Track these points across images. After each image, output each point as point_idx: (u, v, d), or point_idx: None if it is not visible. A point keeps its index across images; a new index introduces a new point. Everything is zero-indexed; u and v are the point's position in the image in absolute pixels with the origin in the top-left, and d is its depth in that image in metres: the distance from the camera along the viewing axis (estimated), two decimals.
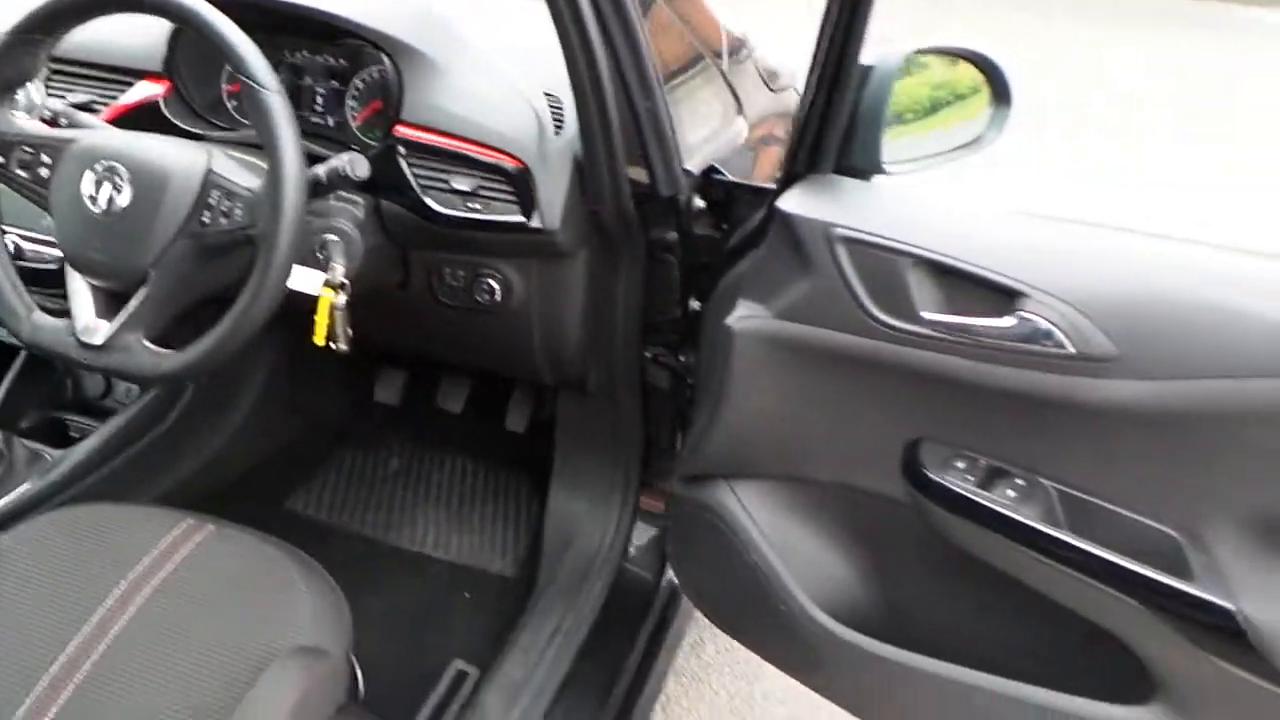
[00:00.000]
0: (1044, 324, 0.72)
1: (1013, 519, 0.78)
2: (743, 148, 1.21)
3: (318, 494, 1.48)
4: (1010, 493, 0.80)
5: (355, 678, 1.02)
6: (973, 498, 0.80)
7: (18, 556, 0.90)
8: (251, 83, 0.79)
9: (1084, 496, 0.77)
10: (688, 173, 0.99)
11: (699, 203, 1.04)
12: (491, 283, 1.05)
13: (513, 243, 1.00)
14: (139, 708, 0.80)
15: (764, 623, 1.01)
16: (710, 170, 1.04)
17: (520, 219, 0.96)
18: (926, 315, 0.78)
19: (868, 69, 0.87)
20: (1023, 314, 0.73)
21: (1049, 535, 0.76)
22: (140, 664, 0.82)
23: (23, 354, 1.26)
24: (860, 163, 0.90)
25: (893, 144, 0.96)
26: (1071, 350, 0.71)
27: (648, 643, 1.24)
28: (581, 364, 1.17)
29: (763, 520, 1.00)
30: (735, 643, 1.13)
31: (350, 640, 0.92)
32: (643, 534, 1.33)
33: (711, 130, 1.11)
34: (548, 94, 0.99)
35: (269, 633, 0.86)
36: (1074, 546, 0.75)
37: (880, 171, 0.91)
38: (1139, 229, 0.75)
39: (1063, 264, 0.74)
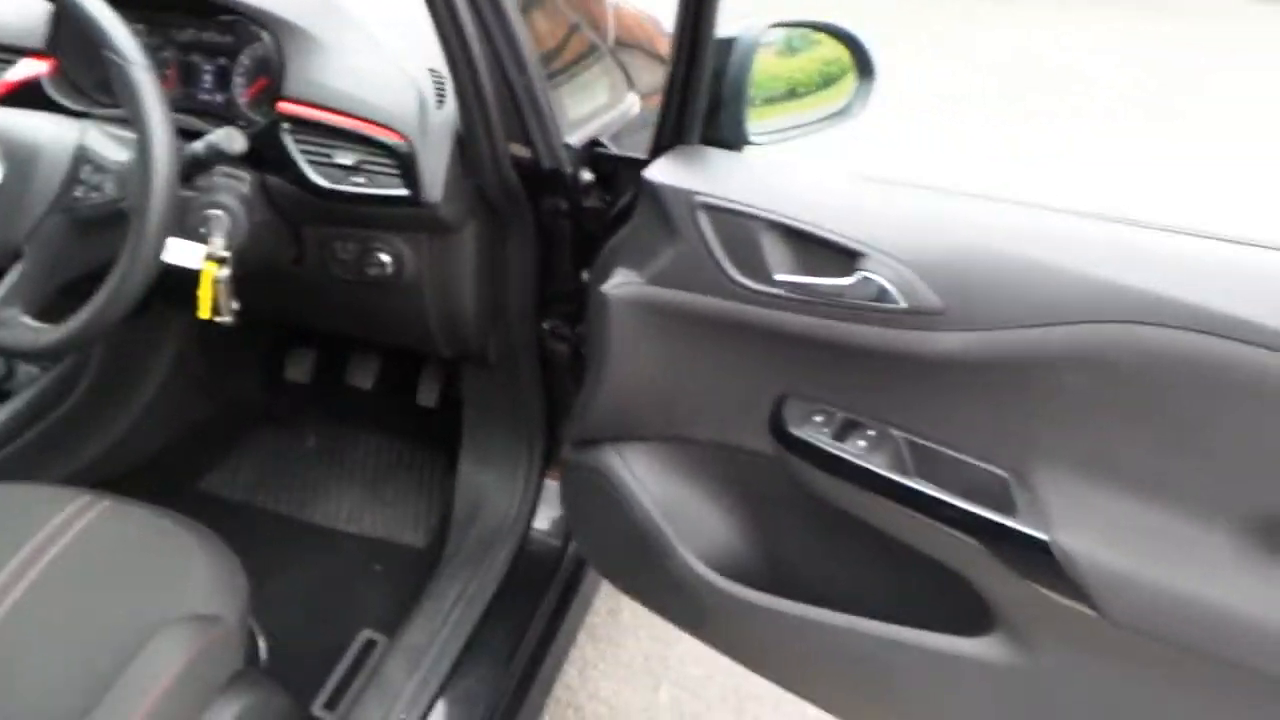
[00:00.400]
0: (880, 281, 0.77)
1: (863, 468, 0.83)
2: (637, 121, 1.25)
3: (232, 473, 1.49)
4: (861, 443, 0.84)
5: (255, 645, 1.04)
6: (828, 449, 0.85)
7: None
8: (115, 58, 0.80)
9: (927, 444, 0.82)
10: (569, 146, 1.02)
11: (587, 176, 1.07)
12: (382, 256, 1.08)
13: (399, 216, 1.02)
14: (27, 681, 0.81)
15: (653, 578, 1.05)
16: (593, 143, 1.07)
17: (404, 192, 0.99)
18: (779, 277, 0.83)
19: (728, 41, 0.91)
20: (862, 273, 0.78)
21: (894, 481, 0.81)
22: (31, 638, 0.84)
23: None
24: (726, 135, 0.94)
25: (772, 118, 1.01)
26: (904, 305, 0.76)
27: (554, 606, 1.28)
28: (479, 337, 1.20)
29: (647, 480, 1.04)
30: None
31: (246, 607, 0.94)
32: (556, 503, 1.37)
33: (598, 105, 1.14)
34: (431, 70, 1.01)
35: (161, 602, 0.88)
36: (917, 491, 0.80)
37: (747, 143, 0.95)
38: (970, 192, 0.80)
39: (897, 225, 0.79)
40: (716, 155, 0.91)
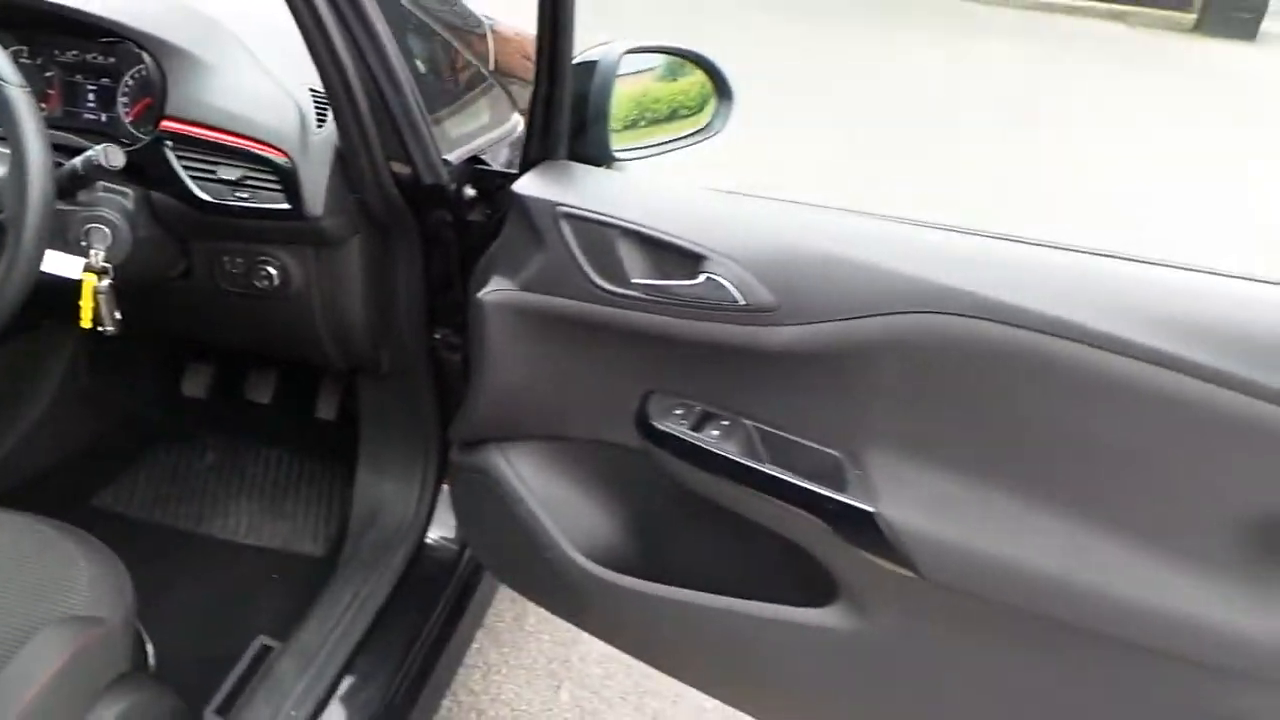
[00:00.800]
0: (721, 281, 0.84)
1: (717, 455, 0.90)
2: (520, 141, 1.31)
3: (128, 490, 1.49)
4: (716, 433, 0.91)
5: (144, 651, 1.06)
6: (686, 439, 0.92)
7: None
8: None
9: (773, 430, 0.90)
10: (448, 163, 1.07)
11: (470, 192, 1.13)
12: (269, 269, 1.11)
13: (283, 230, 1.07)
14: None
15: (536, 572, 1.11)
16: (474, 160, 1.13)
17: (286, 206, 1.03)
18: (636, 280, 0.90)
19: (590, 65, 0.98)
20: (706, 274, 0.85)
21: (743, 466, 0.88)
22: None
23: None
24: (592, 152, 1.01)
25: (649, 137, 1.09)
26: (743, 302, 0.83)
27: (450, 608, 1.31)
28: (371, 348, 1.24)
29: (529, 477, 1.09)
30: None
31: (131, 611, 0.96)
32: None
33: (479, 125, 1.20)
34: (312, 90, 1.06)
35: (41, 606, 0.90)
36: (763, 473, 0.87)
37: (611, 160, 1.03)
38: (798, 200, 0.88)
39: (736, 230, 0.86)
40: (580, 170, 0.98)
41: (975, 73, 6.04)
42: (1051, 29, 7.76)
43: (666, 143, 1.09)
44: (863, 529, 0.82)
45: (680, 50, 1.07)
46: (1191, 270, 0.72)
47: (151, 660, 1.06)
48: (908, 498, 0.81)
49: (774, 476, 0.87)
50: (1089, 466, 0.74)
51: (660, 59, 1.13)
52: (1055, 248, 0.78)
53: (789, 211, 0.88)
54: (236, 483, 1.53)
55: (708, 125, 1.11)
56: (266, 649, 1.25)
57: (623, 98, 1.17)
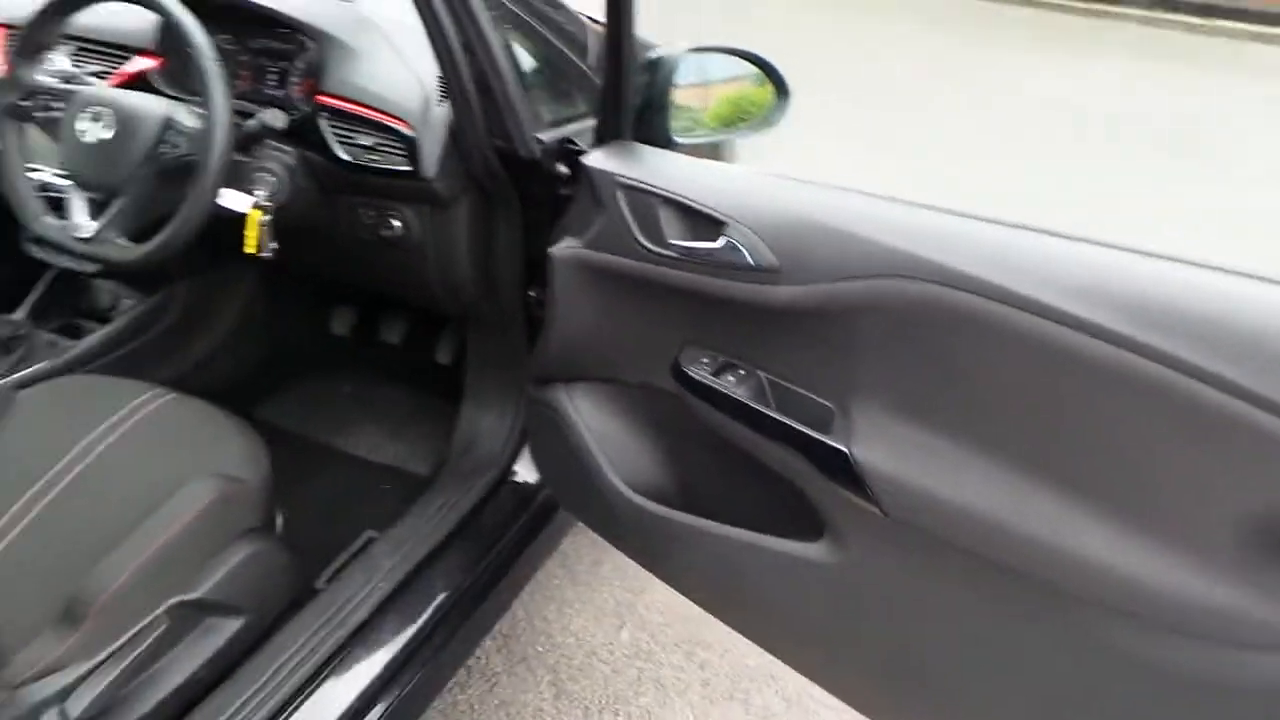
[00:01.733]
0: (737, 244, 0.98)
1: (730, 398, 1.03)
2: None
3: (281, 407, 1.80)
4: (732, 380, 1.05)
5: (273, 517, 1.31)
6: (707, 384, 1.06)
7: (20, 407, 1.22)
8: (195, 53, 1.11)
9: (779, 381, 1.02)
10: (540, 141, 1.27)
11: (562, 169, 1.32)
12: (394, 221, 1.35)
13: (405, 188, 1.30)
14: (88, 522, 1.08)
15: (585, 495, 1.28)
16: (566, 141, 1.31)
17: (407, 168, 1.26)
18: (672, 241, 1.05)
19: (657, 61, 1.14)
20: (725, 237, 1.00)
21: (751, 409, 1.01)
22: (96, 485, 1.12)
23: (52, 269, 1.60)
24: (653, 135, 1.17)
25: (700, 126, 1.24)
26: (752, 263, 0.97)
27: (523, 533, 1.51)
28: (475, 299, 1.46)
29: (585, 413, 1.26)
30: (629, 561, 1.33)
31: (268, 479, 1.21)
32: None
33: (574, 111, 1.39)
34: (439, 75, 1.29)
35: (199, 462, 1.16)
36: (766, 417, 1.00)
37: (670, 142, 1.18)
38: (802, 178, 1.01)
39: (753, 201, 1.00)
40: (639, 149, 1.14)
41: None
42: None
43: (725, 131, 1.23)
44: (839, 468, 0.93)
45: (740, 51, 1.21)
46: (1152, 256, 0.78)
47: (279, 527, 1.32)
48: (879, 443, 0.91)
49: (774, 420, 1.00)
50: (1035, 424, 0.82)
51: (699, 56, 1.26)
52: (1028, 229, 0.86)
53: (800, 187, 1.01)
54: (366, 410, 1.81)
55: (763, 119, 1.24)
56: (371, 539, 1.49)
57: (723, 100, 1.33)
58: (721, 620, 1.20)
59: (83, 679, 0.97)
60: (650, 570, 1.27)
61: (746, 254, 0.97)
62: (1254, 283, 0.71)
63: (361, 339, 1.85)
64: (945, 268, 0.83)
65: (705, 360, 1.09)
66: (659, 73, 1.14)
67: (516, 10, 1.29)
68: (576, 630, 1.75)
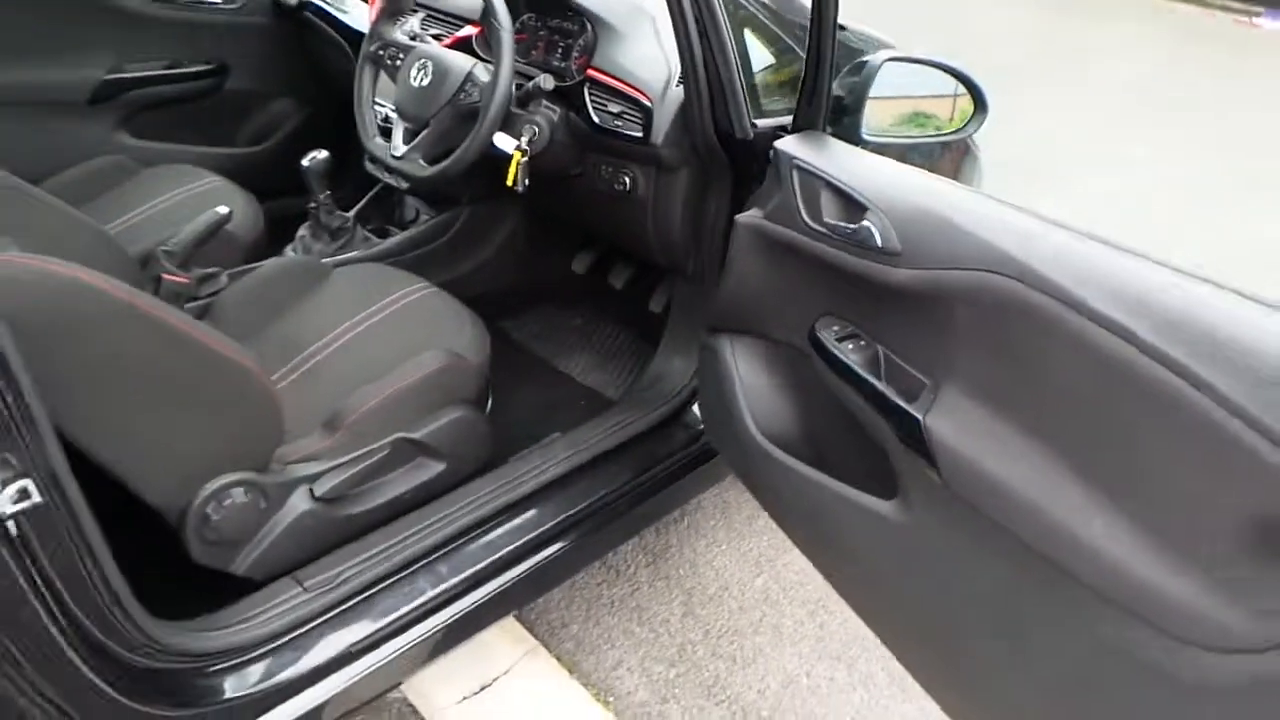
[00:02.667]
0: (872, 227, 1.13)
1: (843, 363, 1.18)
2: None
3: (519, 325, 2.17)
4: (851, 348, 1.19)
5: (486, 396, 1.64)
6: (831, 349, 1.21)
7: (333, 279, 1.64)
8: (494, 23, 1.44)
9: (890, 354, 1.16)
10: (755, 126, 1.47)
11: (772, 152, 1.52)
12: (625, 177, 1.63)
13: (638, 152, 1.56)
14: (356, 362, 1.46)
15: (730, 438, 1.47)
16: (780, 128, 1.50)
17: (641, 135, 1.52)
18: (826, 220, 1.21)
19: (860, 65, 1.30)
20: (864, 221, 1.14)
21: (857, 374, 1.16)
22: (361, 346, 1.49)
23: (377, 185, 2.06)
24: (846, 133, 1.33)
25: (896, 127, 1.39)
26: (880, 245, 1.11)
27: (682, 464, 1.72)
28: (683, 254, 1.70)
29: (741, 364, 1.45)
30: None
31: (486, 364, 1.54)
32: None
33: (790, 106, 1.57)
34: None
35: (436, 338, 1.51)
36: (868, 383, 1.14)
37: (860, 140, 1.34)
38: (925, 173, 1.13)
39: (890, 190, 1.13)
40: (822, 139, 1.30)
41: None
42: None
43: (916, 137, 1.36)
44: (911, 433, 1.06)
45: (940, 64, 1.33)
46: (1210, 283, 0.85)
47: (488, 407, 1.65)
48: (950, 418, 1.03)
49: (872, 386, 1.14)
50: (1078, 423, 0.91)
51: (897, 65, 1.38)
52: (1100, 240, 0.93)
53: (930, 180, 1.13)
54: (585, 339, 2.13)
55: (960, 129, 1.35)
56: (556, 438, 1.79)
57: (907, 111, 1.47)
58: (809, 559, 1.36)
59: (327, 471, 1.34)
60: (764, 506, 1.45)
61: (878, 236, 1.11)
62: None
63: (594, 280, 2.17)
64: (1028, 268, 0.93)
65: (836, 328, 1.23)
66: (860, 75, 1.30)
67: (754, 11, 1.50)
68: (718, 566, 1.95)
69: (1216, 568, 0.76)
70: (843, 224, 1.18)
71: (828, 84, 1.28)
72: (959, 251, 1.02)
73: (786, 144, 1.31)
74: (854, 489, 1.21)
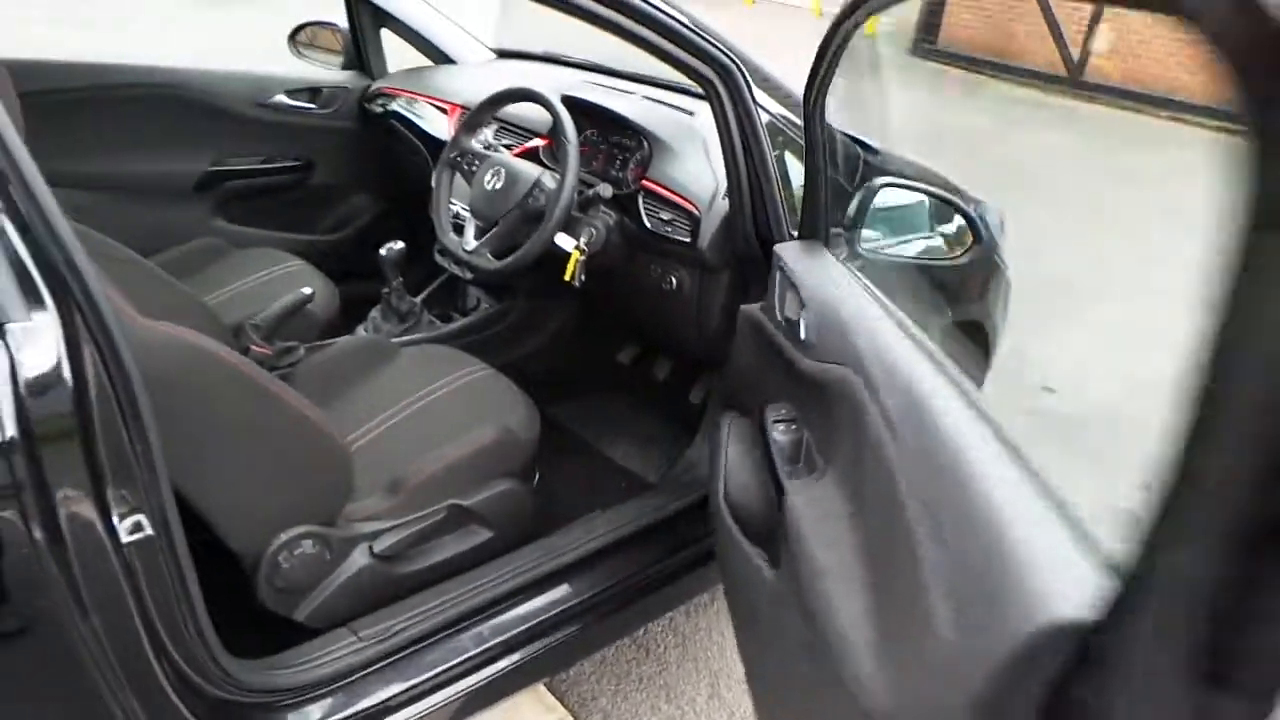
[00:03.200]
0: (802, 321, 1.24)
1: (768, 442, 1.27)
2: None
3: (568, 405, 2.30)
4: (781, 429, 1.27)
5: (534, 472, 1.76)
6: (766, 429, 1.29)
7: (400, 357, 1.81)
8: (562, 138, 1.63)
9: (808, 437, 1.24)
10: (794, 236, 1.62)
11: None
12: (673, 278, 1.78)
13: (685, 255, 1.72)
14: (418, 433, 1.60)
15: (715, 508, 1.55)
16: None
17: (689, 240, 1.68)
18: (788, 314, 1.32)
19: (870, 186, 1.45)
20: (801, 319, 1.23)
21: (771, 453, 1.26)
22: (421, 418, 1.64)
23: (444, 274, 2.25)
24: (844, 247, 1.47)
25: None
26: (803, 337, 1.23)
27: (705, 552, 1.81)
28: (722, 347, 1.83)
29: (730, 438, 1.53)
30: None
31: (535, 442, 1.67)
32: None
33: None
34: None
35: (491, 413, 1.65)
36: (770, 459, 1.24)
37: (857, 255, 1.48)
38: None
39: (824, 289, 1.24)
40: (811, 246, 1.39)
41: None
42: None
43: (909, 258, 1.50)
44: (780, 503, 1.17)
45: (939, 194, 1.48)
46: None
47: (535, 481, 1.77)
48: (802, 494, 1.14)
49: (772, 463, 1.24)
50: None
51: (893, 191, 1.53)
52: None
53: (850, 279, 1.25)
54: (627, 425, 2.25)
55: (955, 256, 1.49)
56: (596, 515, 1.90)
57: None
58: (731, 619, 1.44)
59: (386, 530, 1.46)
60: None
61: (803, 329, 1.24)
62: None
63: (638, 371, 2.31)
64: (859, 360, 1.06)
65: (783, 411, 1.32)
66: (859, 199, 1.45)
67: (793, 135, 1.67)
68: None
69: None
70: (791, 317, 1.30)
71: (824, 200, 1.42)
72: (836, 349, 1.15)
73: (783, 248, 1.43)
74: (760, 555, 1.28)
